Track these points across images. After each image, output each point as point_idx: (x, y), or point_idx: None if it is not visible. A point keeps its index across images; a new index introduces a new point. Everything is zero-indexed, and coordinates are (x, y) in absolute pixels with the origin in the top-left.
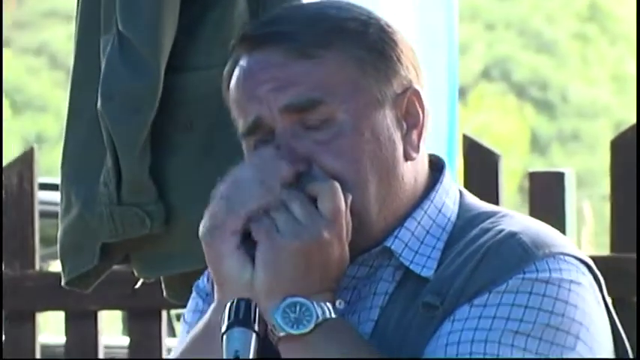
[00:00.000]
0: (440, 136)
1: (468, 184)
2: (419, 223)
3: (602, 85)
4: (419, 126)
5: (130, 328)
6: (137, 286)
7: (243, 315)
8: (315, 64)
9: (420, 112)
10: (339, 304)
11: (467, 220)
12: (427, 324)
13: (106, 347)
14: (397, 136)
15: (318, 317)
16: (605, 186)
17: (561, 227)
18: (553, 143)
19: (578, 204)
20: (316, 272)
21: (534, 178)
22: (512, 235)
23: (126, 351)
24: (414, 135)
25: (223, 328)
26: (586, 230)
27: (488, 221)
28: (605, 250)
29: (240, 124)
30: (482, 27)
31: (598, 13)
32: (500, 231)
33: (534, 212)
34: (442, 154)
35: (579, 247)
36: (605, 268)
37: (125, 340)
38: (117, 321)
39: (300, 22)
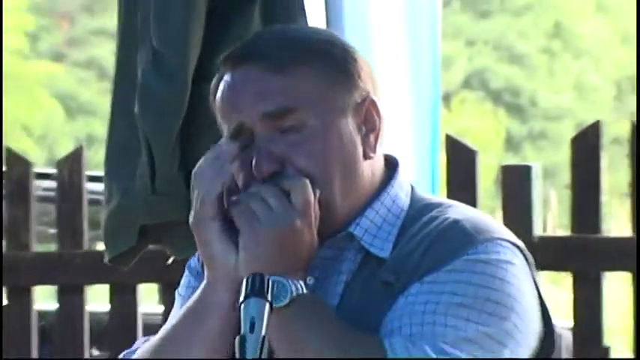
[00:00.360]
0: (425, 135)
1: (450, 177)
2: (377, 212)
3: (565, 92)
4: (376, 130)
5: (164, 298)
6: (169, 262)
7: (258, 287)
8: (289, 78)
9: (377, 119)
10: (309, 280)
11: (417, 209)
12: (385, 298)
13: (144, 315)
14: (357, 139)
15: (292, 293)
16: (568, 177)
17: (529, 213)
18: (524, 142)
19: (545, 192)
20: (290, 255)
21: (506, 170)
22: (456, 223)
23: (161, 317)
24: (372, 138)
25: (241, 299)
26: (551, 214)
27: (436, 211)
28: (567, 231)
29: (225, 130)
30: (464, 43)
31: (562, 31)
32: (446, 219)
33: (506, 200)
34: (427, 151)
35: (545, 228)
36: (566, 246)
37: (160, 308)
38: (153, 292)
39: (275, 43)
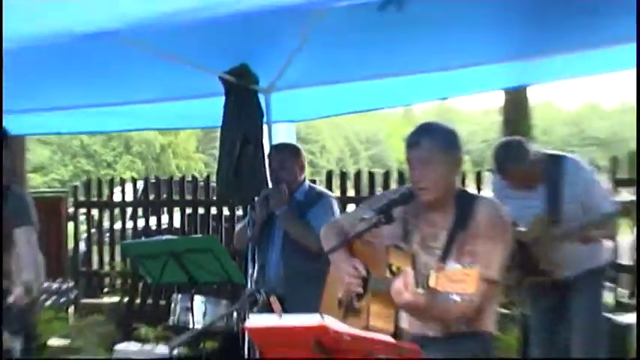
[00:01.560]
0: None
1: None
2: (301, 190)
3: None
4: (303, 169)
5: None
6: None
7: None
8: (286, 159)
9: (304, 166)
10: (288, 207)
11: (310, 188)
12: (304, 213)
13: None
14: (299, 173)
15: (285, 210)
16: None
17: (346, 194)
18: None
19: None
20: (282, 202)
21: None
22: (321, 192)
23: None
24: (303, 171)
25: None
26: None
27: (317, 189)
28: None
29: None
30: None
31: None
32: (319, 191)
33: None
34: None
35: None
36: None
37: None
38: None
39: (281, 150)
